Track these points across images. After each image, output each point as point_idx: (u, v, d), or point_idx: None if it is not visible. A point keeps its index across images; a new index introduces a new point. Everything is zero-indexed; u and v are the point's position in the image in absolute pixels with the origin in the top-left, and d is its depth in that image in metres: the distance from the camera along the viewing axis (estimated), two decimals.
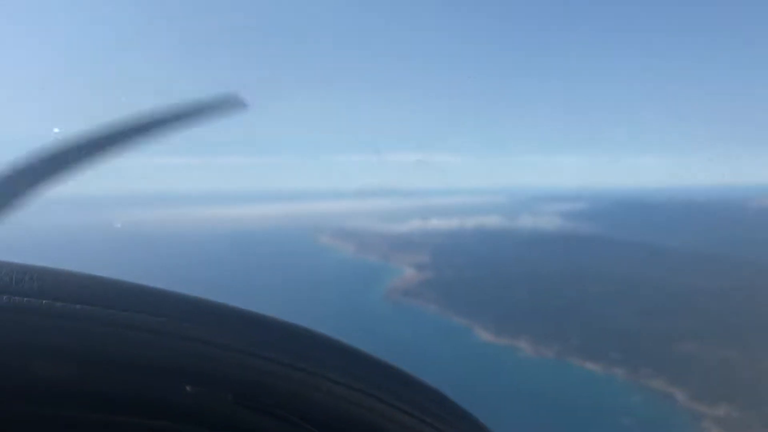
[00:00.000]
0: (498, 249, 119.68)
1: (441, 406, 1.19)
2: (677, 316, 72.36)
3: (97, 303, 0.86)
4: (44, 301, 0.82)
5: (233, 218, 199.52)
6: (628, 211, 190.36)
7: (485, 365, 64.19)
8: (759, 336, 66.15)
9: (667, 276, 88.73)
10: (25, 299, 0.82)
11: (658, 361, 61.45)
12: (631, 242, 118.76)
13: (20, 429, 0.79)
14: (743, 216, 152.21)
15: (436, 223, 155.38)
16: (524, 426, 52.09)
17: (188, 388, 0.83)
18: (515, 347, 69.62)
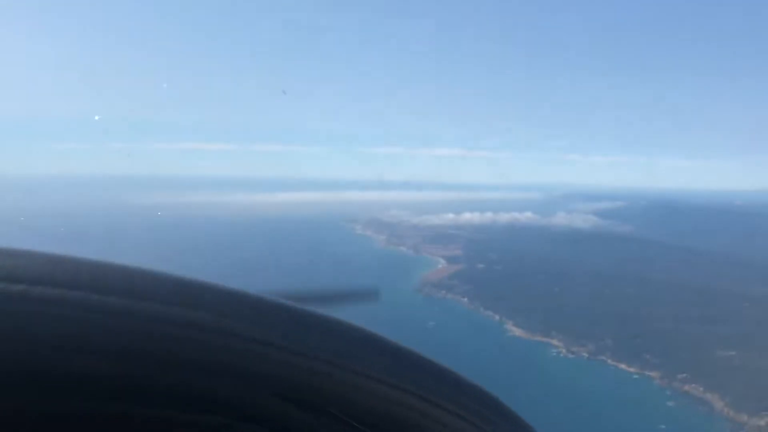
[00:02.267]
0: (531, 245, 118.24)
1: (491, 408, 1.16)
2: (716, 321, 70.59)
3: (155, 299, 0.87)
4: (101, 298, 0.82)
5: (273, 204, 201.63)
6: (666, 213, 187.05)
7: (517, 361, 63.33)
8: None
9: (705, 280, 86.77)
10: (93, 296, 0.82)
11: (695, 367, 60.05)
12: (669, 244, 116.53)
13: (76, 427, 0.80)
14: None
15: (469, 217, 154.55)
16: (555, 425, 51.38)
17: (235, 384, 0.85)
18: (548, 344, 68.77)
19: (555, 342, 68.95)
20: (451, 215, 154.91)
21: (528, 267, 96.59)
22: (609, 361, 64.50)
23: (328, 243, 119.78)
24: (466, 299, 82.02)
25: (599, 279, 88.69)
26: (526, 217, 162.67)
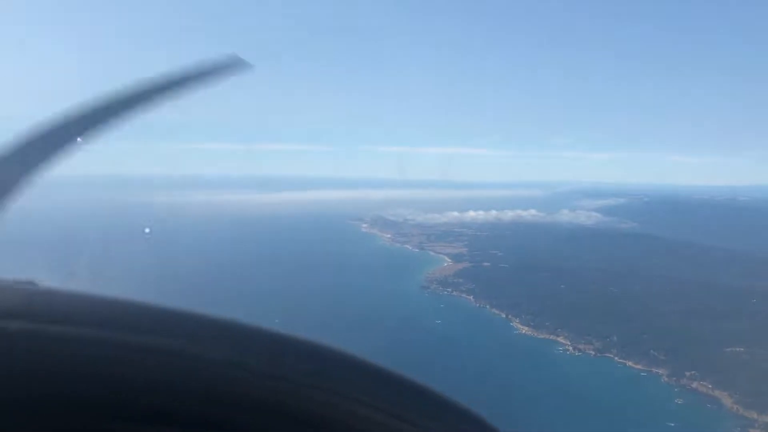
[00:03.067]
0: (535, 242, 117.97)
1: (423, 402, 1.09)
2: (723, 317, 70.27)
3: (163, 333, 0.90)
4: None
5: (280, 203, 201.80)
6: (669, 209, 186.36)
7: (523, 359, 63.22)
8: None
9: (711, 276, 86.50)
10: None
11: (703, 364, 59.88)
12: (674, 240, 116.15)
13: None
14: None
15: (473, 215, 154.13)
16: (563, 423, 51.35)
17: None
18: (554, 342, 68.68)
19: (561, 339, 68.90)
20: (455, 213, 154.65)
21: (533, 264, 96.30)
22: (616, 358, 64.45)
23: (334, 241, 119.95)
24: (472, 297, 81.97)
25: (605, 276, 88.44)
26: (531, 214, 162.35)
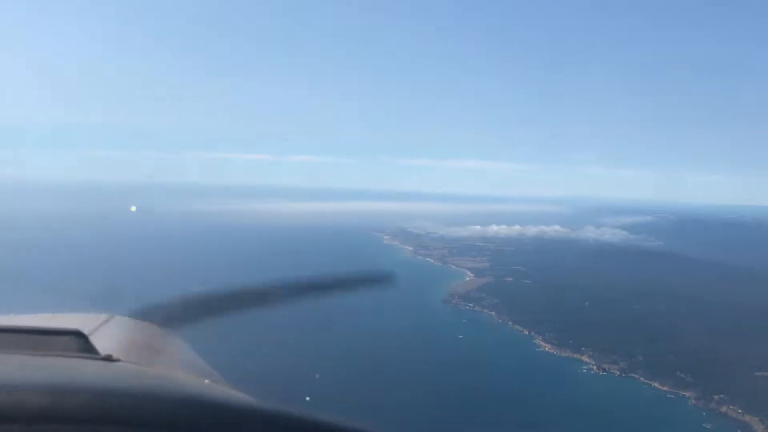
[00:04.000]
0: (560, 259, 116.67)
1: None
2: (753, 339, 68.43)
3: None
4: None
5: (302, 213, 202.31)
6: (697, 228, 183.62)
7: (546, 377, 61.95)
8: None
9: (740, 296, 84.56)
10: None
11: (733, 387, 58.10)
12: (701, 260, 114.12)
13: None
14: None
15: (496, 230, 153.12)
16: None
17: None
18: (578, 360, 67.30)
19: (585, 358, 67.51)
20: (477, 227, 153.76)
21: (557, 281, 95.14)
22: (641, 378, 62.91)
23: (355, 252, 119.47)
24: (494, 312, 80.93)
25: (630, 294, 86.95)
26: (554, 230, 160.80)
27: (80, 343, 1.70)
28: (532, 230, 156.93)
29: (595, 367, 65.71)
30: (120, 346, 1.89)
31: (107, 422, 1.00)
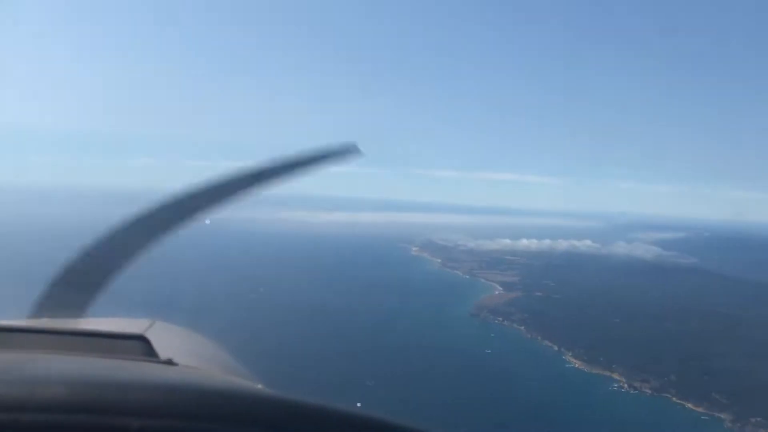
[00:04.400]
0: (590, 274, 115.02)
1: None
2: None
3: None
4: None
5: (331, 223, 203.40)
6: (731, 245, 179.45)
7: (576, 394, 60.95)
8: None
9: None
10: None
11: None
12: (736, 278, 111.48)
13: None
14: None
15: (526, 243, 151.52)
16: None
17: None
18: (608, 377, 66.18)
19: (616, 376, 66.37)
20: (507, 241, 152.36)
21: (588, 296, 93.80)
22: (674, 398, 61.55)
23: (384, 263, 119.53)
24: (523, 327, 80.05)
25: (663, 312, 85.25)
26: (585, 245, 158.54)
27: (144, 347, 1.76)
28: (562, 245, 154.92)
29: (626, 385, 64.53)
30: (172, 350, 1.91)
31: (182, 419, 1.05)
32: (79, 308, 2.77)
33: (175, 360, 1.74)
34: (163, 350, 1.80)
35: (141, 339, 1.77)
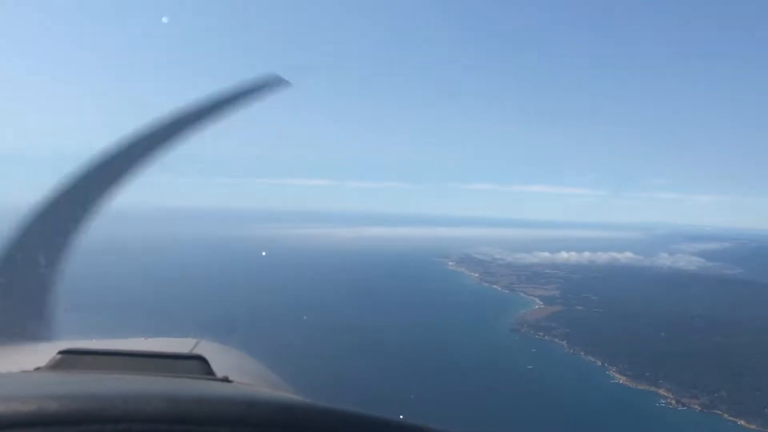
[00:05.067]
0: (633, 287, 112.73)
1: None
2: None
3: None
4: None
5: (367, 238, 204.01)
6: None
7: (622, 411, 59.43)
8: None
9: None
10: None
11: None
12: None
13: None
14: None
15: (565, 256, 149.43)
16: None
17: None
18: (655, 394, 64.39)
19: (662, 392, 64.55)
20: (546, 254, 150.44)
21: (631, 310, 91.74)
22: (725, 415, 59.59)
23: (421, 279, 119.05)
24: (565, 342, 78.56)
25: (709, 324, 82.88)
26: (626, 257, 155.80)
27: (203, 366, 1.88)
28: (603, 257, 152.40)
29: (673, 401, 62.69)
30: (223, 368, 2.04)
31: (259, 428, 1.17)
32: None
33: (230, 378, 1.86)
34: (216, 369, 1.90)
35: (200, 359, 1.91)
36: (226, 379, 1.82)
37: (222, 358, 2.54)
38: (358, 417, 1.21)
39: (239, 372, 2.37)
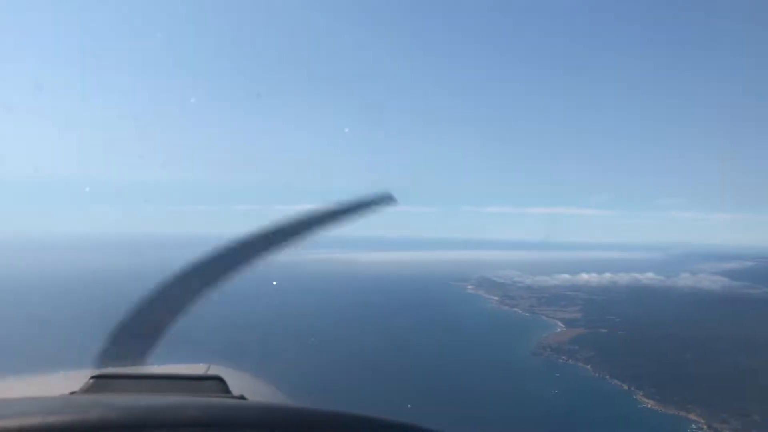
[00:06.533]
0: (656, 308, 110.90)
1: None
2: None
3: None
4: None
5: (382, 263, 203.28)
6: None
7: None
8: None
9: None
10: None
11: None
12: None
13: None
14: None
15: (586, 278, 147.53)
16: None
17: None
18: (685, 419, 62.43)
19: (693, 416, 62.50)
20: (566, 276, 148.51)
21: (656, 332, 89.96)
22: None
23: (439, 302, 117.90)
24: (589, 366, 76.80)
25: (736, 346, 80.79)
26: (648, 277, 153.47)
27: (221, 386, 2.10)
28: (624, 278, 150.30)
29: (705, 426, 60.61)
30: (239, 389, 2.23)
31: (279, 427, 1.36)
32: (140, 356, 2.99)
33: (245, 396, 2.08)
34: (232, 388, 2.12)
35: (218, 379, 2.13)
36: (242, 397, 2.01)
37: (236, 380, 2.58)
38: (372, 421, 1.36)
39: (252, 392, 2.50)
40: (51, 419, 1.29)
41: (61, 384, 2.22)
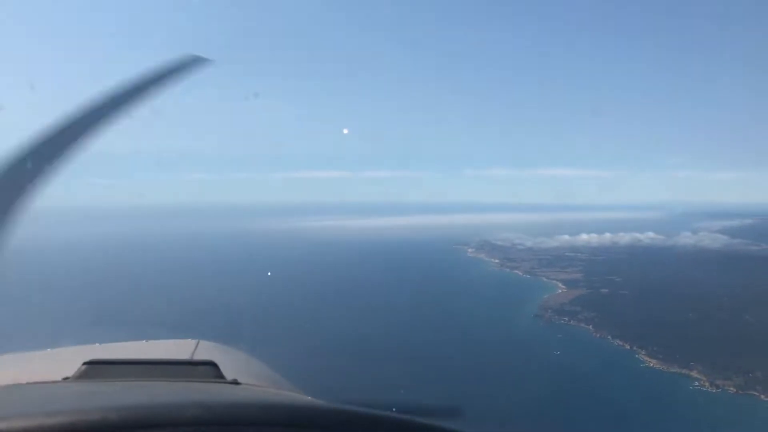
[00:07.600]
0: (657, 267, 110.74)
1: None
2: None
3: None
4: None
5: (383, 228, 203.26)
6: None
7: (655, 395, 57.73)
8: None
9: None
10: None
11: None
12: None
13: None
14: None
15: (586, 239, 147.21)
16: None
17: None
18: (687, 376, 62.60)
19: (695, 374, 62.67)
20: (566, 237, 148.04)
21: (657, 291, 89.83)
22: (762, 396, 57.74)
23: (441, 266, 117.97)
24: (591, 326, 76.81)
25: (738, 303, 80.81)
26: (648, 237, 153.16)
27: (214, 371, 2.12)
28: (624, 238, 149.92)
29: (707, 384, 60.78)
30: (230, 369, 2.25)
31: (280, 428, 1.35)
32: None
33: (239, 380, 2.08)
34: (223, 370, 2.14)
35: (212, 365, 2.15)
36: (235, 382, 2.03)
37: (226, 360, 2.60)
38: (373, 417, 1.34)
39: (245, 373, 2.49)
40: (51, 421, 1.27)
41: (50, 365, 2.34)
